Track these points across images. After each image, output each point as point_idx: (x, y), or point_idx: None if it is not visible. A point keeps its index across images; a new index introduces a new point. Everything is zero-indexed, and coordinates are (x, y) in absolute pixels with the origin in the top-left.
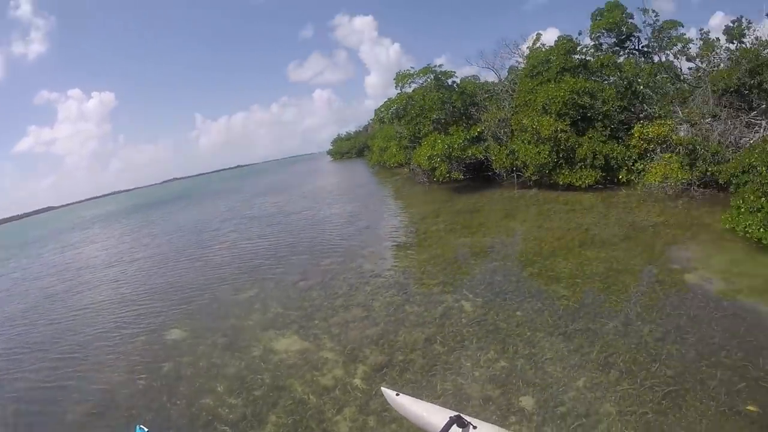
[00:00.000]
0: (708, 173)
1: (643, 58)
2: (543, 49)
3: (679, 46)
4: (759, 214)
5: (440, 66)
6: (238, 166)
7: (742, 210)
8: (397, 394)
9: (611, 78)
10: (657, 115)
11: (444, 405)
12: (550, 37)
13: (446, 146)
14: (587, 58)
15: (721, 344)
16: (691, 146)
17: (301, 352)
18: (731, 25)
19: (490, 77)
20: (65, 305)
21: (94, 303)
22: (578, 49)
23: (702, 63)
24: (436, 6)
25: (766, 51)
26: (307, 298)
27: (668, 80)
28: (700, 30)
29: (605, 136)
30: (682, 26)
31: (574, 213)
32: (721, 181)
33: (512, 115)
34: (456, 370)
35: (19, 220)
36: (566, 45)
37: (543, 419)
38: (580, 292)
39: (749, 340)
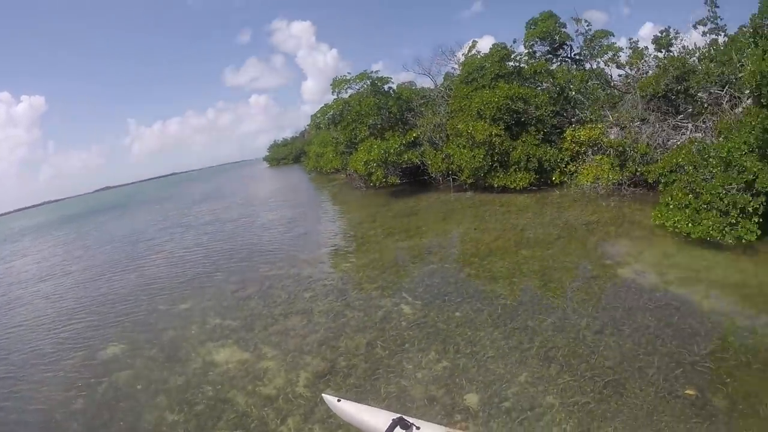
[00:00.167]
0: (637, 173)
1: (575, 66)
2: (478, 56)
3: (610, 54)
4: (687, 210)
5: (377, 72)
6: (174, 174)
7: (671, 206)
8: (339, 400)
9: (544, 84)
10: (588, 119)
11: (388, 408)
12: (486, 44)
13: (382, 151)
14: (521, 65)
15: (656, 333)
16: (621, 148)
17: (242, 363)
18: (659, 35)
19: (426, 83)
20: None
21: (28, 320)
22: (512, 57)
23: (631, 70)
24: (375, 13)
25: (692, 59)
26: (245, 307)
27: (599, 86)
28: (630, 39)
29: (538, 139)
30: (613, 35)
31: (509, 214)
32: (650, 180)
33: (448, 120)
34: (399, 373)
35: None
36: (501, 52)
37: (488, 415)
38: (518, 290)
39: (683, 328)
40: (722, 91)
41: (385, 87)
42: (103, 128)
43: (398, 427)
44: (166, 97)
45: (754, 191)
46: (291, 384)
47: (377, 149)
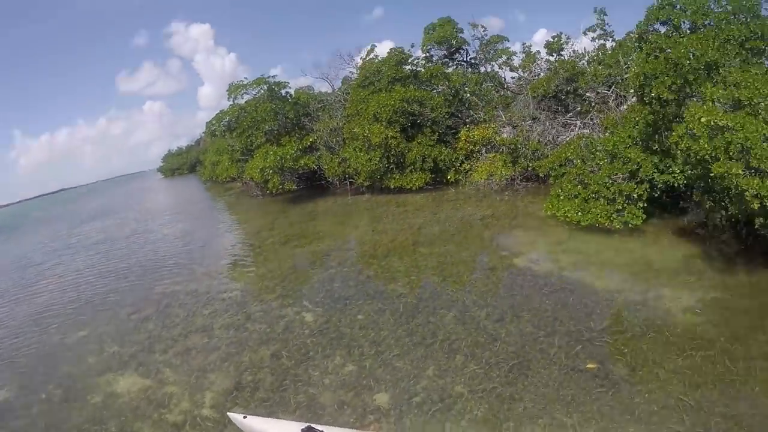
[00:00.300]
0: (529, 168)
1: (470, 69)
2: (376, 61)
3: (504, 57)
4: (576, 200)
5: (274, 77)
6: (63, 190)
7: (561, 197)
8: (245, 417)
9: (440, 87)
10: (482, 119)
11: (299, 418)
12: (386, 49)
13: (278, 158)
14: (418, 69)
15: (554, 315)
16: (513, 146)
17: (144, 391)
18: (551, 39)
19: (324, 88)
20: None
21: None
22: (409, 61)
23: (524, 73)
24: (275, 16)
25: (581, 62)
26: (143, 330)
27: (493, 88)
28: (524, 44)
29: (434, 140)
30: (508, 40)
31: (406, 214)
32: (541, 174)
33: (344, 124)
34: (306, 382)
35: None
36: (398, 56)
37: (400, 412)
38: (418, 287)
39: (579, 308)
40: (609, 90)
41: (283, 92)
42: None
43: None
44: (54, 105)
45: (638, 179)
46: (197, 406)
47: (273, 155)
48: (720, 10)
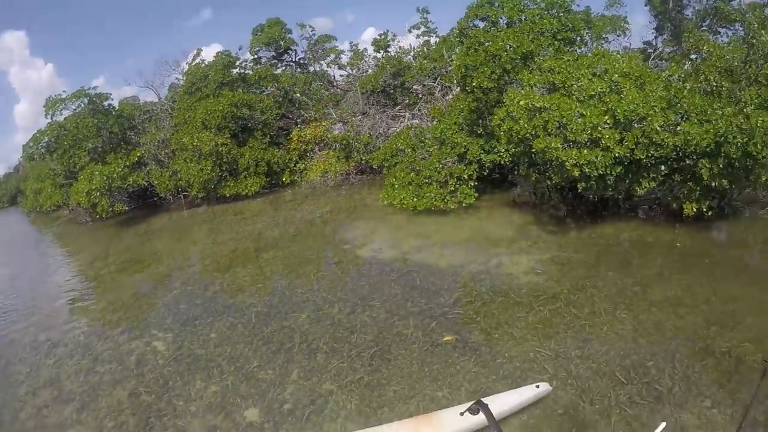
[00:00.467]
0: (363, 161)
1: (299, 69)
2: (202, 66)
3: (332, 56)
4: (410, 187)
5: (95, 88)
6: None
7: (396, 186)
8: None
9: (269, 89)
10: (313, 118)
11: None
12: (214, 53)
13: (105, 177)
14: (246, 72)
15: (405, 298)
16: (345, 141)
17: None
18: (378, 37)
19: (150, 97)
20: None
21: None
22: (237, 64)
23: (352, 70)
24: (94, 21)
25: (407, 57)
26: None
27: (322, 87)
28: (351, 43)
29: (266, 143)
30: (336, 39)
31: (245, 221)
32: (375, 166)
33: (172, 134)
34: (172, 414)
35: None
36: (225, 60)
37: (274, 423)
38: (267, 294)
39: (427, 287)
40: (435, 82)
41: (105, 104)
42: None
43: None
44: None
45: (467, 161)
46: None
47: (99, 176)
48: (534, 6)
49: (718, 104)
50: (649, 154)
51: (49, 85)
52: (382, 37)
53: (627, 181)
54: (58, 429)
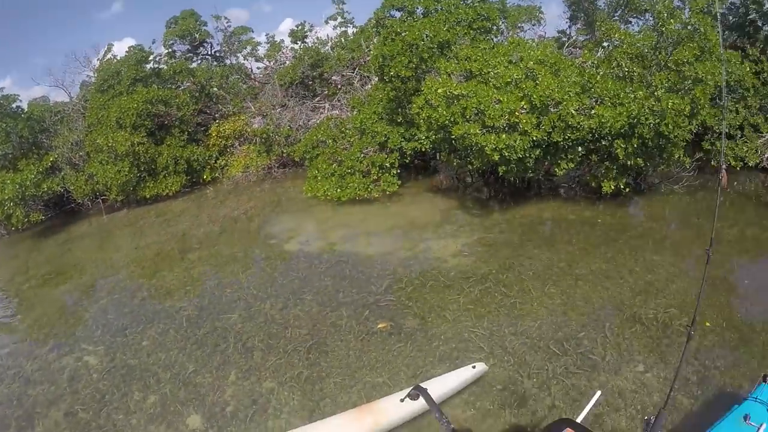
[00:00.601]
0: (284, 154)
1: (216, 63)
2: (114, 61)
3: (249, 48)
4: (333, 178)
5: (2, 90)
6: None
7: (319, 178)
8: None
9: (185, 83)
10: (232, 112)
11: None
12: (126, 47)
13: (17, 186)
14: (160, 66)
15: (336, 289)
16: (265, 135)
17: None
18: (295, 28)
19: (61, 97)
20: None
21: None
22: (151, 58)
23: (270, 62)
24: None
25: (325, 48)
26: None
27: (240, 80)
28: (267, 34)
29: (184, 140)
30: (252, 31)
31: (168, 223)
32: (297, 159)
33: (86, 135)
34: (112, 429)
35: None
36: (137, 55)
37: (218, 427)
38: (196, 297)
39: (357, 277)
40: (353, 72)
41: (13, 106)
42: None
43: None
44: None
45: (389, 150)
46: None
47: (11, 184)
48: None
49: (630, 88)
50: (566, 137)
51: None
52: (299, 28)
53: (546, 163)
54: None
